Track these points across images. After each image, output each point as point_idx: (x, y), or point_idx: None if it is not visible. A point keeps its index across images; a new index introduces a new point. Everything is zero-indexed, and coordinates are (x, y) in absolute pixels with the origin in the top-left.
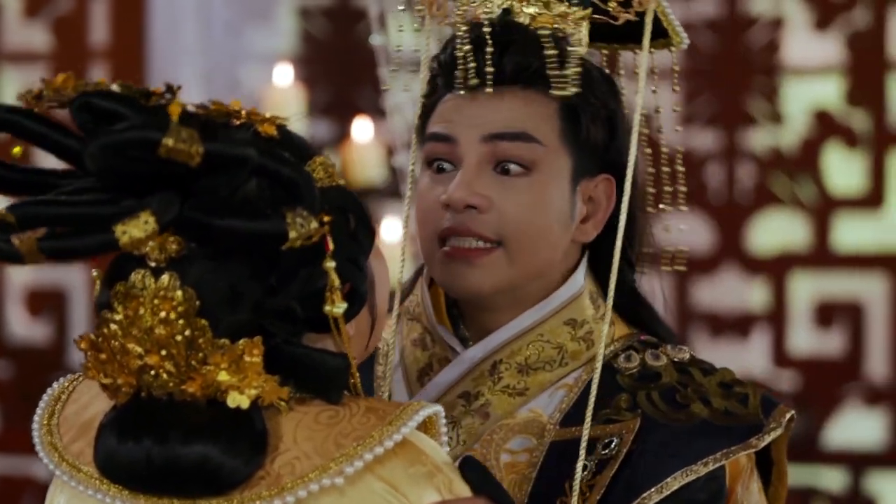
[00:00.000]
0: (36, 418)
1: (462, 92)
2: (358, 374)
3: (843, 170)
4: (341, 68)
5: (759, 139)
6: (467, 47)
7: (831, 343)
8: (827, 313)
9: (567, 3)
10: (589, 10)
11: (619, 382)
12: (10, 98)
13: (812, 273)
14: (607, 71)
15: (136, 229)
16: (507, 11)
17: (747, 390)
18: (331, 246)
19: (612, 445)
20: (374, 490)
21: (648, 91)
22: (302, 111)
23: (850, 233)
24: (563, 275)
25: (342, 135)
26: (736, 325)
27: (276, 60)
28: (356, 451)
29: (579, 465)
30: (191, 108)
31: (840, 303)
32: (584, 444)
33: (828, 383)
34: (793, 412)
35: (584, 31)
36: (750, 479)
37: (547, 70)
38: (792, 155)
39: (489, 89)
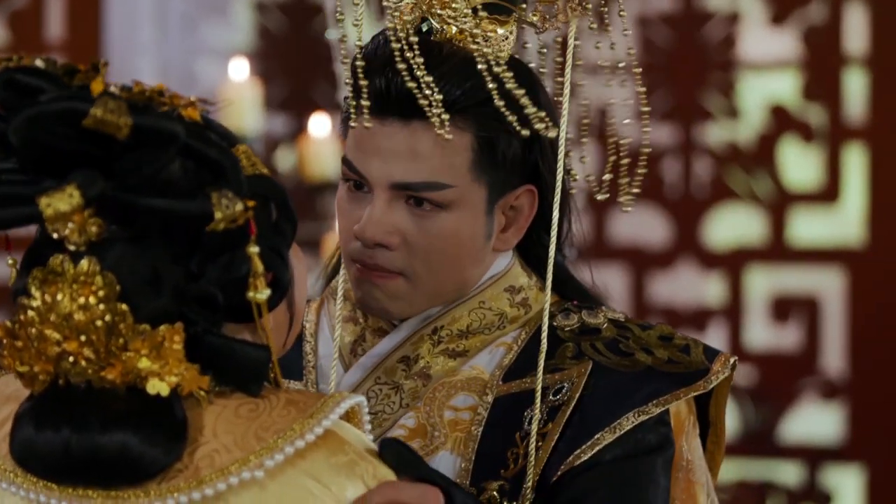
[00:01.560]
0: None
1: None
2: (278, 367)
3: (799, 164)
4: (297, 63)
5: (716, 134)
6: (366, 70)
7: (787, 337)
8: (783, 308)
9: (487, 15)
10: (510, 25)
11: (561, 336)
12: None
13: (768, 267)
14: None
15: (62, 203)
16: (428, 30)
17: (688, 341)
18: (254, 230)
19: (564, 391)
20: (295, 483)
21: (601, 86)
22: (258, 106)
23: (806, 227)
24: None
25: (299, 130)
26: (693, 320)
27: (232, 55)
28: (277, 445)
29: (536, 410)
30: (113, 90)
31: (796, 297)
32: (538, 390)
33: (784, 378)
34: (735, 358)
35: (507, 46)
36: (693, 433)
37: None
38: (748, 149)
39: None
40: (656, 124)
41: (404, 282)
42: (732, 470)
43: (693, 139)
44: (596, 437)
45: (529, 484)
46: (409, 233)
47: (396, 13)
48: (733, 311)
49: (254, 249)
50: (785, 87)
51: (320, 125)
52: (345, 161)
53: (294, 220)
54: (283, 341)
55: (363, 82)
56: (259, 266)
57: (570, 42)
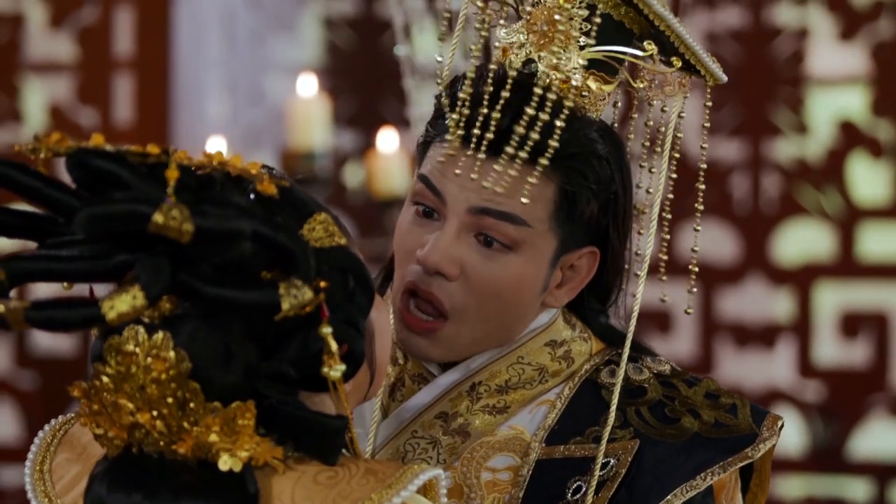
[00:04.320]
0: (28, 464)
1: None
2: (356, 432)
3: (868, 180)
4: (366, 79)
5: (785, 149)
6: (469, 98)
7: (857, 353)
8: (852, 324)
9: (594, 72)
10: (613, 86)
11: (605, 398)
12: (36, 107)
13: (837, 283)
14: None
15: (124, 304)
16: (530, 62)
17: (734, 400)
18: (326, 313)
19: (610, 466)
20: None
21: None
22: (326, 122)
23: (876, 243)
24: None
25: (367, 145)
26: (761, 336)
27: (300, 71)
28: None
29: (593, 481)
30: (188, 163)
31: (865, 313)
32: (599, 461)
33: (853, 394)
34: (783, 420)
35: (602, 105)
36: (735, 490)
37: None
38: (817, 165)
39: (480, 156)
40: (725, 140)
41: (450, 327)
42: (801, 487)
43: (762, 155)
44: None
45: None
46: (472, 267)
47: (500, 52)
48: (802, 327)
49: (326, 331)
50: (854, 103)
51: (389, 141)
52: (422, 178)
53: (371, 290)
54: (363, 396)
55: (466, 111)
56: (333, 346)
57: (674, 116)
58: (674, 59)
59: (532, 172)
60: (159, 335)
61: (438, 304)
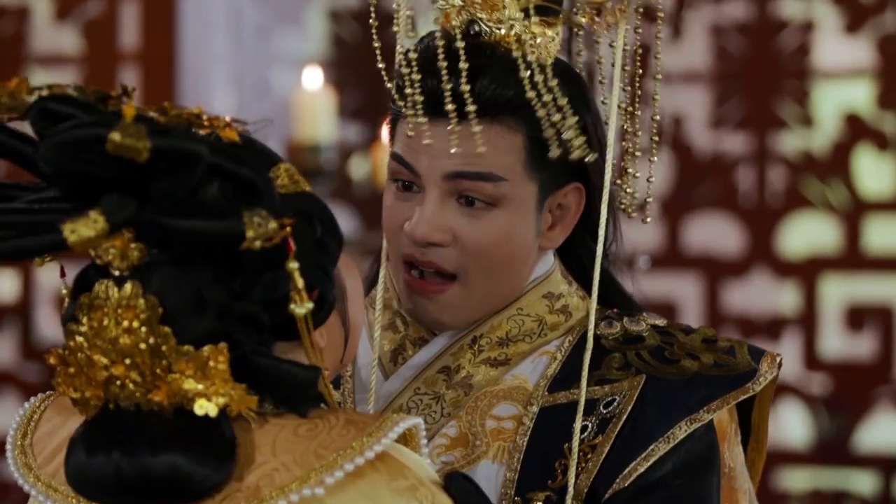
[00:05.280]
0: (9, 439)
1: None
2: (332, 386)
3: (873, 173)
4: (371, 71)
5: (790, 142)
6: (418, 70)
7: (862, 346)
8: (858, 316)
9: (536, 18)
10: (558, 27)
11: (605, 345)
12: None
13: (843, 276)
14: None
15: (85, 228)
16: (472, 23)
17: (732, 343)
18: (293, 247)
19: (615, 403)
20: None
21: (673, 95)
22: (332, 114)
23: (882, 236)
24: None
25: (372, 138)
26: (767, 329)
27: (305, 64)
28: (336, 462)
29: (577, 424)
30: (151, 114)
31: (871, 306)
32: (581, 403)
33: (859, 387)
34: (781, 356)
35: (553, 48)
36: (735, 442)
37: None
38: (823, 158)
39: (453, 127)
40: (730, 133)
41: (458, 289)
42: (807, 479)
43: (767, 148)
44: (650, 448)
45: (572, 493)
46: (462, 231)
47: (442, 18)
48: (808, 320)
49: (293, 265)
50: (859, 96)
51: None
52: (394, 157)
53: (339, 236)
54: (340, 358)
55: (416, 76)
56: (299, 281)
57: (619, 43)
58: None
59: (497, 128)
60: (129, 285)
61: (442, 269)
